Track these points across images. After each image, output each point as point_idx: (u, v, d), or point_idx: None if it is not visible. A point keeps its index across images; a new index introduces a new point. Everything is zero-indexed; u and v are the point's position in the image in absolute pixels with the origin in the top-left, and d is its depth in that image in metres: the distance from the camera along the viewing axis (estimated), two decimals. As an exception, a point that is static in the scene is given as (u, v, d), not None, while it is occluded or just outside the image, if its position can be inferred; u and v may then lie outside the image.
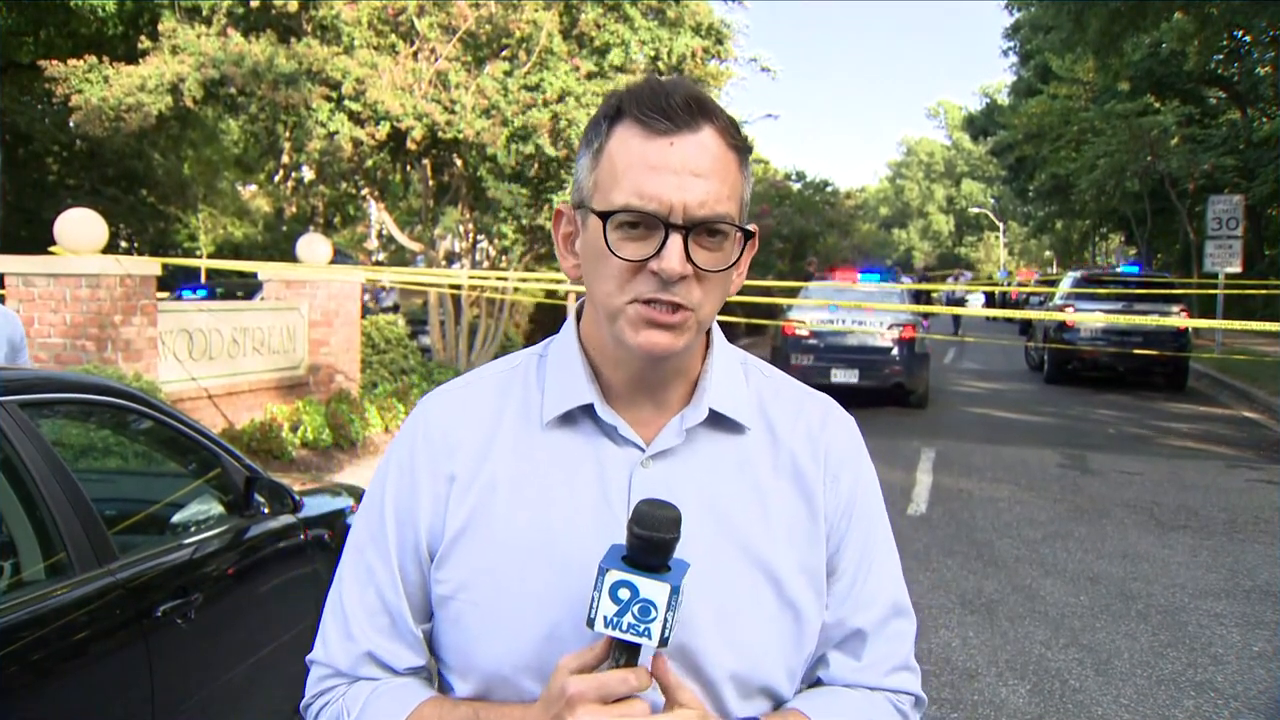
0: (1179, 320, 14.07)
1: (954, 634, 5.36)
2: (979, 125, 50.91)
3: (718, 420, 1.20)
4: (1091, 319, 15.46)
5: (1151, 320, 13.76)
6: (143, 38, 12.57)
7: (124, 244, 25.54)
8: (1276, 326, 9.28)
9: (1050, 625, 5.52)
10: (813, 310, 13.85)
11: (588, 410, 1.18)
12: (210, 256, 28.05)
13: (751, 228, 1.18)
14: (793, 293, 15.75)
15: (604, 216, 1.10)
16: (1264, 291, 21.32)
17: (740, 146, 1.13)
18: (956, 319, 28.23)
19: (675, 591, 1.01)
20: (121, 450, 3.79)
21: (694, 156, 1.08)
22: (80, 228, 7.81)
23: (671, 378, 1.18)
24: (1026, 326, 23.09)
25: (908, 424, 12.39)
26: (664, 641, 1.01)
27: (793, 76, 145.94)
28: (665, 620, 1.00)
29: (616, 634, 1.01)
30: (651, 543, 1.01)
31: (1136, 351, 15.45)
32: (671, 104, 1.08)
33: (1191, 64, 25.80)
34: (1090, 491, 8.88)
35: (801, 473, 1.22)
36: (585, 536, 1.11)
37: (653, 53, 12.50)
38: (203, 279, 21.65)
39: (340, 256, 17.57)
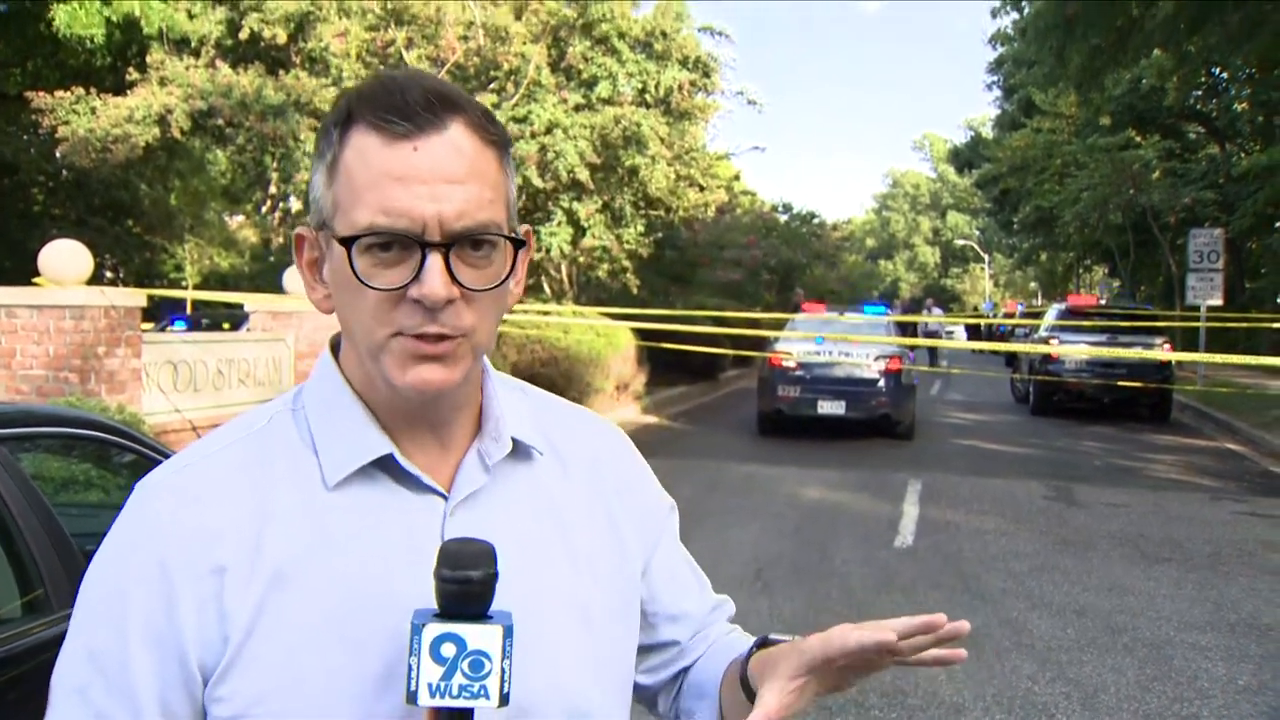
0: (1161, 354, 14.17)
1: (940, 668, 5.34)
2: (964, 158, 51.41)
3: (514, 450, 1.06)
4: (1076, 351, 15.56)
5: (1134, 354, 13.86)
6: (131, 69, 12.63)
7: (109, 274, 25.48)
8: (1258, 360, 9.35)
9: (1037, 659, 5.50)
10: (799, 342, 13.89)
11: (379, 462, 1.00)
12: (196, 287, 28.00)
13: (523, 230, 1.03)
14: (780, 324, 15.79)
15: (348, 242, 0.93)
16: (1245, 324, 21.50)
17: (498, 140, 0.98)
18: (933, 352, 28.26)
19: (509, 634, 0.87)
20: (104, 484, 3.76)
21: (445, 160, 0.93)
22: (65, 259, 7.79)
23: (453, 411, 1.03)
24: (1012, 358, 23.20)
25: (894, 455, 12.39)
26: (504, 699, 0.87)
27: (780, 109, 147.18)
28: (502, 671, 0.87)
29: (447, 702, 0.86)
30: (468, 584, 0.87)
31: (1121, 383, 15.54)
32: (409, 101, 0.92)
33: (1171, 99, 26.24)
34: (1076, 524, 8.89)
35: (595, 493, 1.11)
36: (401, 605, 0.93)
37: (640, 85, 12.62)
38: (188, 310, 21.59)
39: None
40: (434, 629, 0.86)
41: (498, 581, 0.89)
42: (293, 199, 13.94)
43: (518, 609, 0.91)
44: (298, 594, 0.95)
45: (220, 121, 11.53)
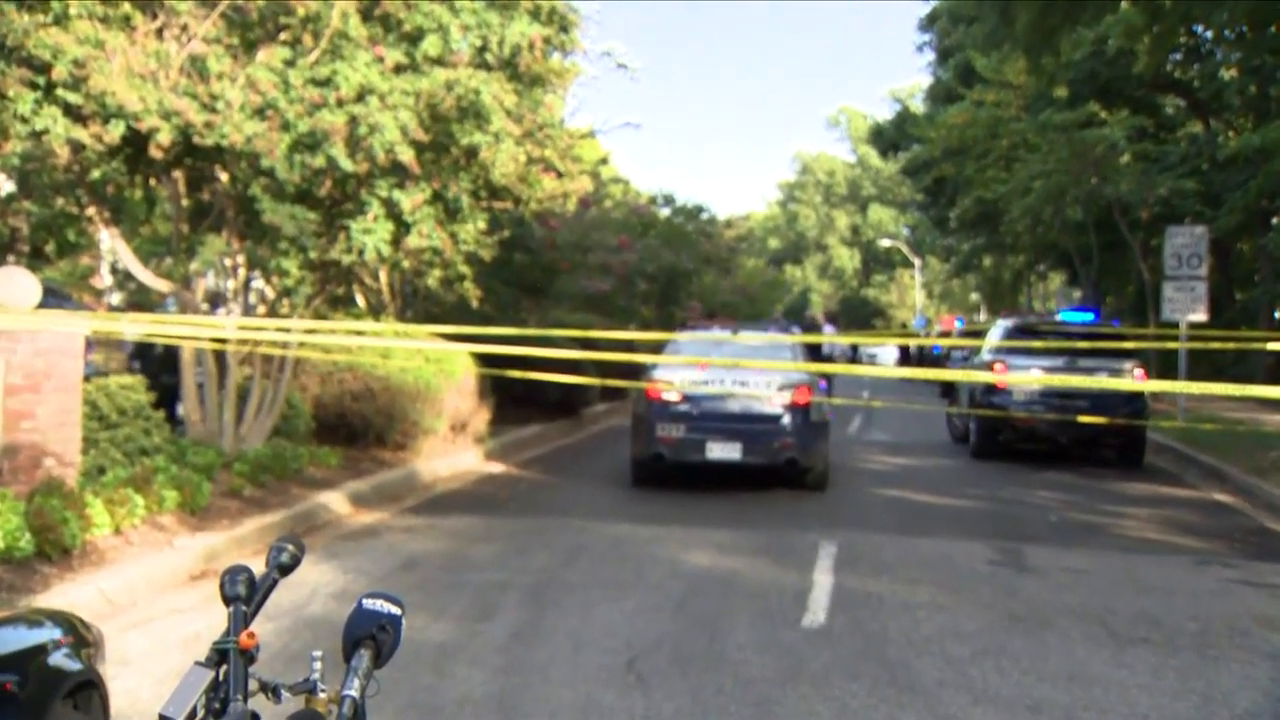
0: (1131, 383, 14.69)
1: (862, 784, 5.40)
2: (889, 138, 52.82)
3: None
4: (1027, 379, 16.01)
5: (1099, 382, 14.33)
6: None
7: None
8: (1251, 390, 9.63)
9: (981, 769, 5.61)
10: (684, 368, 13.97)
11: None
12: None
13: None
14: (660, 346, 15.89)
15: None
16: (1234, 345, 22.34)
17: None
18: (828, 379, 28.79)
19: None
20: None
21: None
22: None
23: None
24: (949, 389, 23.79)
25: (803, 511, 12.55)
26: None
27: (661, 78, 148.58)
28: None
29: None
30: None
31: (1082, 419, 16.02)
32: None
33: (1142, 65, 27.17)
34: (1028, 595, 9.13)
35: None
36: None
37: (479, 41, 12.55)
38: None
39: (55, 298, 16.95)
40: None
41: None
42: (2, 177, 13.41)
43: None
44: None
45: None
